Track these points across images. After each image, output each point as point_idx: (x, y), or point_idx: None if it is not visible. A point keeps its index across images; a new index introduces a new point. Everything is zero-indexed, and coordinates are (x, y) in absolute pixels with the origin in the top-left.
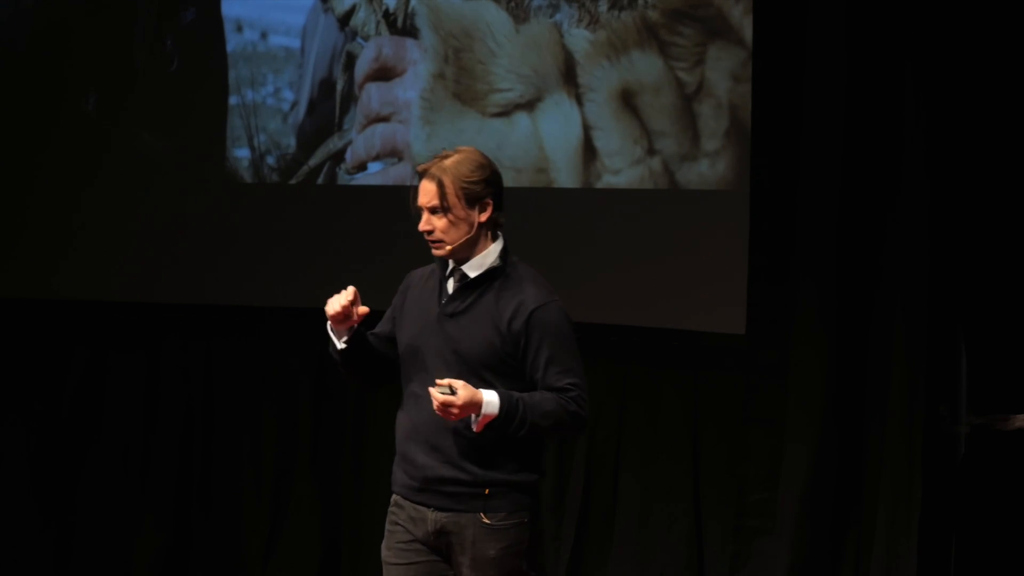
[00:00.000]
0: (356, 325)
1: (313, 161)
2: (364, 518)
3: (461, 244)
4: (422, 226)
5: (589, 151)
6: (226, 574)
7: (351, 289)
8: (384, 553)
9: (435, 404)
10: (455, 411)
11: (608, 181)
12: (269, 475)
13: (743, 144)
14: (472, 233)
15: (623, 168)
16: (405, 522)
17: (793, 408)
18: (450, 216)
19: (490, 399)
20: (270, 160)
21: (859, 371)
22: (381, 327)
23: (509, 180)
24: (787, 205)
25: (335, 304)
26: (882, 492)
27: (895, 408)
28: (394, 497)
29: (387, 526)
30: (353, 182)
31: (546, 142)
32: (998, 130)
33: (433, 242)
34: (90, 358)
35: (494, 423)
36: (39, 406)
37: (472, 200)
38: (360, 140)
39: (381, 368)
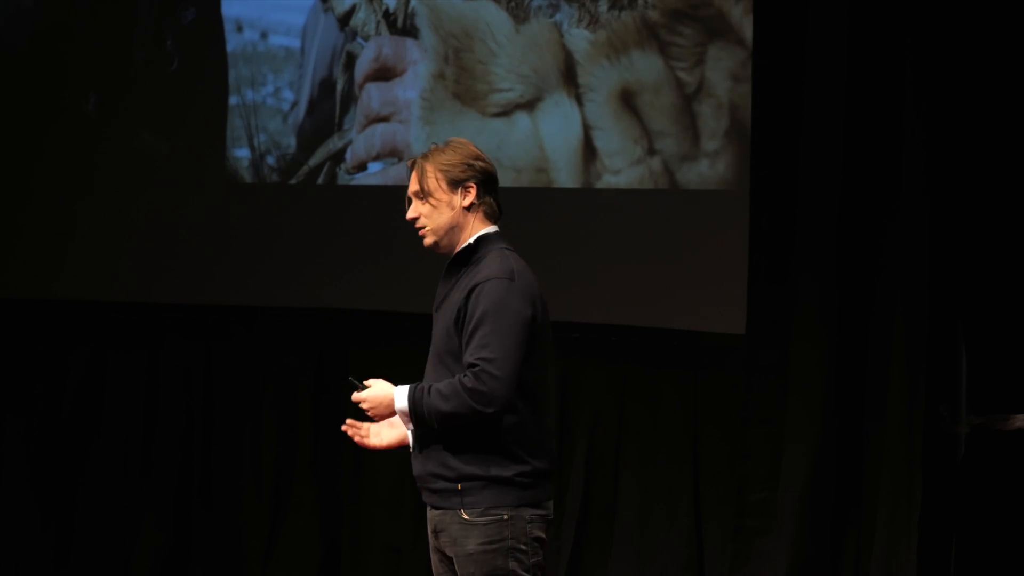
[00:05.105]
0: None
1: (313, 161)
2: (364, 518)
3: (446, 230)
4: (408, 214)
5: (589, 151)
6: (226, 574)
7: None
8: None
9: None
10: (370, 409)
11: (608, 181)
12: (269, 475)
13: (743, 144)
14: (456, 217)
15: (623, 168)
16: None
17: (793, 408)
18: (431, 200)
19: (400, 394)
20: (270, 160)
21: (859, 371)
22: None
23: (509, 180)
24: (787, 205)
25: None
26: (882, 492)
27: (895, 408)
28: None
29: None
30: (353, 182)
31: (546, 142)
32: (998, 130)
33: (419, 230)
34: (90, 358)
35: (414, 419)
36: (39, 406)
37: (453, 182)
38: (360, 140)
39: None
